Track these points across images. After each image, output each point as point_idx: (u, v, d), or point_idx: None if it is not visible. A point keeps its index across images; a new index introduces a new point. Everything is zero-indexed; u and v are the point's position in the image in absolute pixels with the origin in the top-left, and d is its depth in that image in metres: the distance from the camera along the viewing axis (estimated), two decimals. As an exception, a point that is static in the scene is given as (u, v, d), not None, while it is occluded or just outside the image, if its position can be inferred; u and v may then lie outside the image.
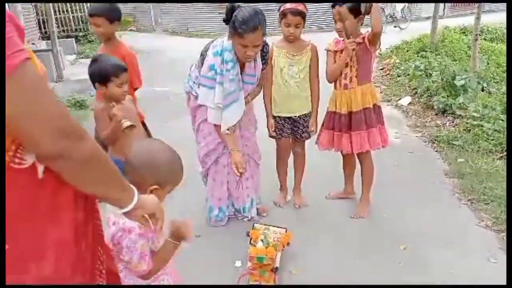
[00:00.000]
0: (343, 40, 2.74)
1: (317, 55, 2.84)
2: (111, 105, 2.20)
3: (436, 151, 4.03)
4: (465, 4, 15.35)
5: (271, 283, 2.27)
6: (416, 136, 4.44)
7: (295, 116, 2.89)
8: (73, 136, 0.85)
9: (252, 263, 2.28)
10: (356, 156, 2.94)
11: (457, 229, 2.75)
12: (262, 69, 2.62)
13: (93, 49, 9.87)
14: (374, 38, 2.61)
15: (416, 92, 5.69)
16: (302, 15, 2.66)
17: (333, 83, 2.83)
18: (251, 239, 2.45)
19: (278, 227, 2.55)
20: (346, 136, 2.79)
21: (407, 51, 8.04)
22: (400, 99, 5.69)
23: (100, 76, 2.20)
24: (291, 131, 2.95)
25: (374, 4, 2.49)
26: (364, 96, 2.73)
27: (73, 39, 10.38)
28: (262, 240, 2.38)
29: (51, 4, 8.15)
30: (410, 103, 5.52)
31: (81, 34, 11.47)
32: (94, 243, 1.06)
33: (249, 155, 2.79)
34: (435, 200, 3.14)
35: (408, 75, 6.28)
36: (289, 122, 2.92)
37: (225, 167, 2.72)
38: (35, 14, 10.05)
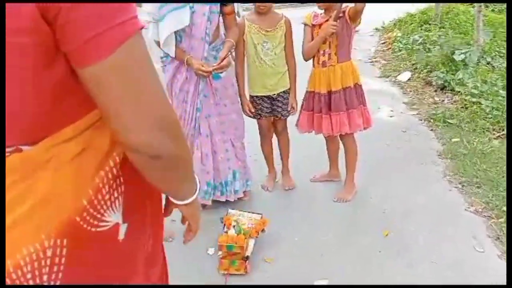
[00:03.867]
0: (321, 14, 2.56)
1: (291, 29, 2.68)
2: None
3: (431, 129, 3.85)
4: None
5: (241, 272, 2.17)
6: (412, 114, 4.24)
7: (273, 95, 2.74)
8: (171, 130, 0.70)
9: (223, 252, 2.18)
10: (339, 138, 2.79)
11: (444, 215, 2.60)
12: (228, 2, 2.40)
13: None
14: (356, 14, 2.43)
15: (416, 68, 5.46)
16: None
17: (311, 60, 2.66)
18: (224, 225, 2.35)
19: (253, 212, 2.44)
20: (326, 117, 2.64)
21: (411, 24, 7.72)
22: (399, 74, 5.47)
23: None
24: (270, 110, 2.80)
25: None
26: (344, 74, 2.57)
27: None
28: (234, 227, 2.27)
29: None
30: (409, 79, 5.30)
31: None
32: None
33: (225, 133, 2.62)
34: (424, 183, 2.98)
35: (409, 49, 6.03)
36: (268, 101, 2.77)
37: (208, 136, 2.56)
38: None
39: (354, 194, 2.83)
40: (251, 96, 2.77)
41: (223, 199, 2.70)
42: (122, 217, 0.77)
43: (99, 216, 0.73)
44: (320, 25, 2.57)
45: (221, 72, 2.41)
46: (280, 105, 2.77)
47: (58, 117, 0.67)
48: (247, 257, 2.18)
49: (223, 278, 2.17)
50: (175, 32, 2.35)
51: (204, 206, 2.72)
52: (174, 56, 2.39)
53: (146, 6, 2.36)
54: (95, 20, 0.59)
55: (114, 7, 0.60)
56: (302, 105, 2.78)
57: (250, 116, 2.82)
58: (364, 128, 2.70)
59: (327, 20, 2.51)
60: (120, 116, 0.65)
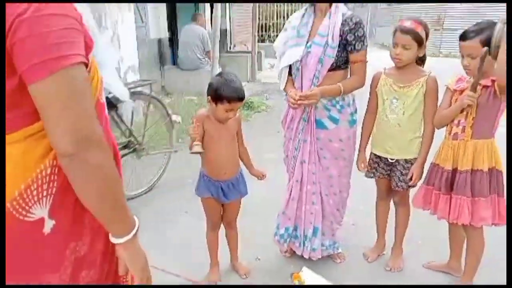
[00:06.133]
0: (468, 79, 2.18)
1: (437, 90, 2.33)
2: (210, 119, 2.20)
3: None
4: None
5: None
6: None
7: (392, 160, 2.46)
8: (91, 142, 0.87)
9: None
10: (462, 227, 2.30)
11: None
12: (356, 50, 2.27)
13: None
14: (501, 90, 1.99)
15: None
16: (413, 34, 2.22)
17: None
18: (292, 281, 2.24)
19: (328, 282, 2.24)
20: (445, 198, 2.22)
21: None
22: None
23: (215, 93, 2.11)
24: (387, 173, 2.52)
25: (504, 45, 1.87)
26: (477, 154, 2.12)
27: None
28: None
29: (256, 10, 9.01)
30: None
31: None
32: None
33: (316, 185, 2.46)
34: None
35: None
36: (386, 163, 2.49)
37: (297, 182, 2.49)
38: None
39: (468, 299, 2.30)
40: (371, 152, 2.56)
41: (298, 252, 2.56)
42: (49, 213, 0.93)
43: (27, 207, 0.90)
44: (461, 91, 2.20)
45: (306, 106, 2.31)
46: (398, 174, 2.46)
47: (10, 121, 0.87)
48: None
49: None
50: (292, 71, 2.40)
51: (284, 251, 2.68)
52: (282, 89, 2.46)
53: (276, 43, 2.51)
54: (38, 52, 0.80)
55: (55, 44, 0.81)
56: (425, 177, 2.40)
57: (366, 175, 2.61)
58: (494, 224, 2.17)
59: None
60: (50, 127, 0.84)
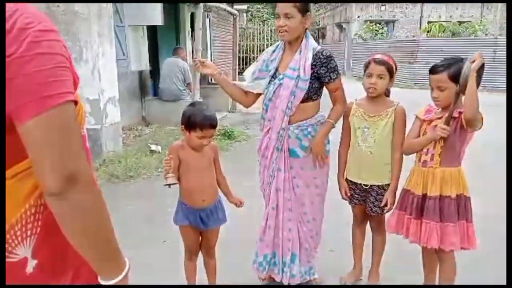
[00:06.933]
0: (436, 110, 2.30)
1: (404, 120, 2.47)
2: (185, 148, 2.25)
3: None
4: None
5: None
6: None
7: (366, 186, 2.54)
8: (78, 182, 0.84)
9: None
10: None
11: None
12: (332, 79, 2.37)
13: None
14: (467, 122, 2.12)
15: None
16: (386, 65, 2.39)
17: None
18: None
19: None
20: (415, 222, 2.30)
21: None
22: None
23: (188, 121, 2.19)
24: (362, 200, 2.60)
25: (470, 81, 2.02)
26: (444, 181, 2.22)
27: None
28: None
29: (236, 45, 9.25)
30: None
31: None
32: None
33: (292, 212, 2.50)
34: None
35: None
36: (361, 189, 2.58)
37: (273, 209, 2.52)
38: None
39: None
40: (346, 179, 2.64)
41: (278, 279, 2.57)
42: (32, 253, 0.92)
43: (9, 248, 0.89)
44: (430, 122, 2.32)
45: (280, 136, 2.41)
46: (372, 199, 2.55)
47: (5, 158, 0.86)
48: None
49: None
50: (264, 101, 2.51)
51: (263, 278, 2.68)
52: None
53: (245, 72, 2.63)
54: (26, 92, 0.79)
55: (43, 84, 0.80)
56: (398, 202, 2.49)
57: (345, 199, 2.68)
58: (463, 249, 2.25)
59: (440, 118, 2.26)
60: (38, 165, 0.82)
